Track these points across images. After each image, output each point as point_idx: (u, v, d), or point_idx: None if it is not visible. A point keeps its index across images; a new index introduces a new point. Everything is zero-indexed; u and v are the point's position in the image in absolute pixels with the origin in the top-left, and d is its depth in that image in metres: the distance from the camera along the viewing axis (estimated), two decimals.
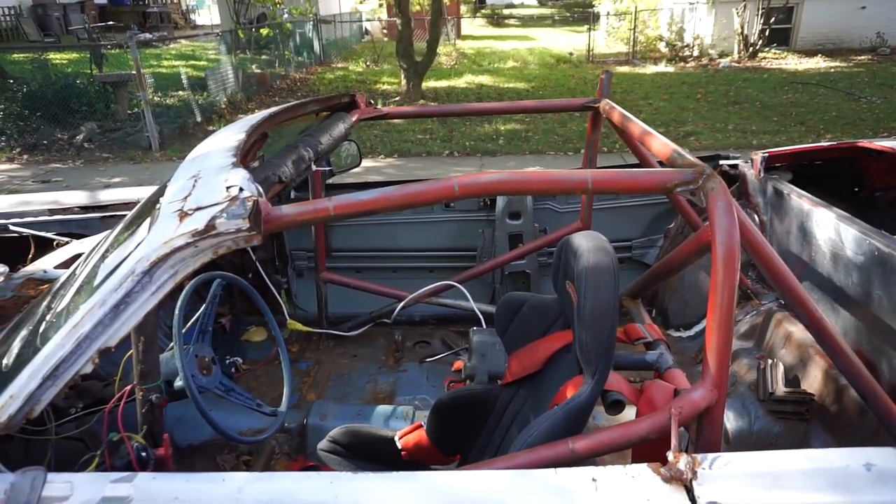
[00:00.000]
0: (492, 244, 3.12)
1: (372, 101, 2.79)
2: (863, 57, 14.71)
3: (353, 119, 2.54)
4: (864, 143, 2.61)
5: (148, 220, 1.33)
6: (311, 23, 16.81)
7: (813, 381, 2.05)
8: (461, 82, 13.29)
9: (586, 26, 17.57)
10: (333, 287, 3.05)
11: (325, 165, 2.83)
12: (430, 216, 3.14)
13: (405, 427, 1.92)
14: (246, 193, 1.23)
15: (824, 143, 2.78)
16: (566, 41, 20.37)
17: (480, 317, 2.81)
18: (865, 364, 1.58)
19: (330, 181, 3.05)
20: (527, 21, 32.03)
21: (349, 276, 3.13)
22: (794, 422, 2.03)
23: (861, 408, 1.80)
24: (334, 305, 3.10)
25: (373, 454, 1.91)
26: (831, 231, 2.15)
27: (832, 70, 13.38)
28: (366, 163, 7.48)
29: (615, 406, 1.49)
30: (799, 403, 2.00)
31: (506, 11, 35.33)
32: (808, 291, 2.26)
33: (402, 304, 2.93)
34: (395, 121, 9.50)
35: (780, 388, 2.04)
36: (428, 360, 2.94)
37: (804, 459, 1.20)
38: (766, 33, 14.92)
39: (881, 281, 1.90)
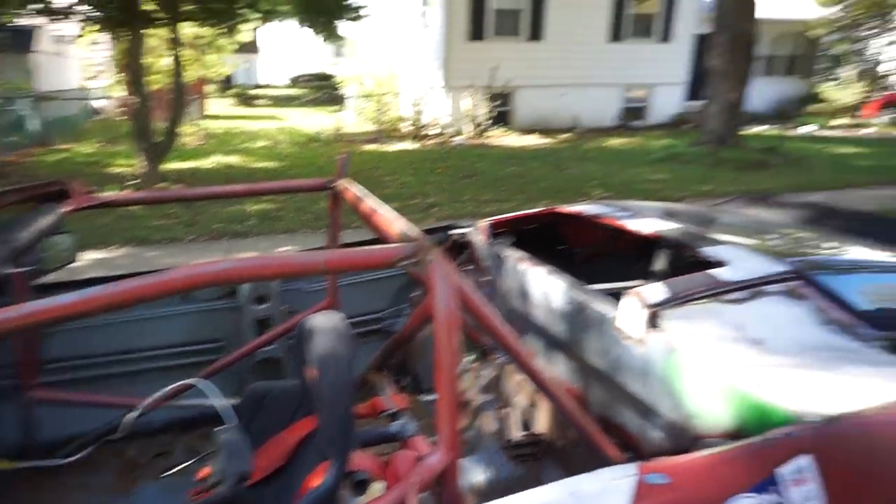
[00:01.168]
0: (238, 332, 2.97)
1: (94, 189, 2.52)
2: (565, 135, 17.66)
3: (64, 210, 2.27)
4: (560, 208, 3.09)
5: None
6: (31, 98, 14.85)
7: (542, 422, 2.30)
8: (208, 163, 12.74)
9: (336, 107, 18.34)
10: (48, 406, 2.59)
11: (31, 265, 2.45)
12: (167, 309, 2.88)
13: None
14: None
15: (532, 210, 3.23)
16: (316, 121, 20.94)
17: (224, 415, 2.61)
18: (577, 399, 1.82)
19: (43, 280, 2.64)
20: (277, 101, 32.36)
21: (69, 390, 2.70)
22: (531, 462, 2.24)
23: (579, 438, 2.06)
24: (51, 428, 2.62)
25: None
26: (543, 285, 2.48)
27: (544, 146, 15.79)
28: (96, 255, 6.67)
29: (361, 486, 1.49)
30: (532, 445, 2.22)
31: (255, 91, 35.35)
32: (533, 340, 2.56)
33: (130, 415, 2.60)
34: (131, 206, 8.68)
35: (516, 434, 2.25)
36: (165, 473, 2.63)
37: (525, 500, 1.32)
38: (493, 115, 17.16)
39: (581, 325, 2.24)
